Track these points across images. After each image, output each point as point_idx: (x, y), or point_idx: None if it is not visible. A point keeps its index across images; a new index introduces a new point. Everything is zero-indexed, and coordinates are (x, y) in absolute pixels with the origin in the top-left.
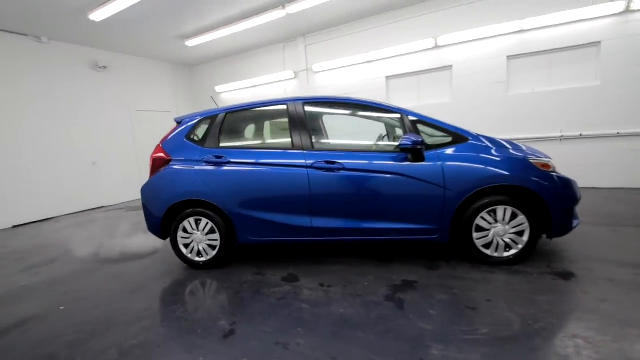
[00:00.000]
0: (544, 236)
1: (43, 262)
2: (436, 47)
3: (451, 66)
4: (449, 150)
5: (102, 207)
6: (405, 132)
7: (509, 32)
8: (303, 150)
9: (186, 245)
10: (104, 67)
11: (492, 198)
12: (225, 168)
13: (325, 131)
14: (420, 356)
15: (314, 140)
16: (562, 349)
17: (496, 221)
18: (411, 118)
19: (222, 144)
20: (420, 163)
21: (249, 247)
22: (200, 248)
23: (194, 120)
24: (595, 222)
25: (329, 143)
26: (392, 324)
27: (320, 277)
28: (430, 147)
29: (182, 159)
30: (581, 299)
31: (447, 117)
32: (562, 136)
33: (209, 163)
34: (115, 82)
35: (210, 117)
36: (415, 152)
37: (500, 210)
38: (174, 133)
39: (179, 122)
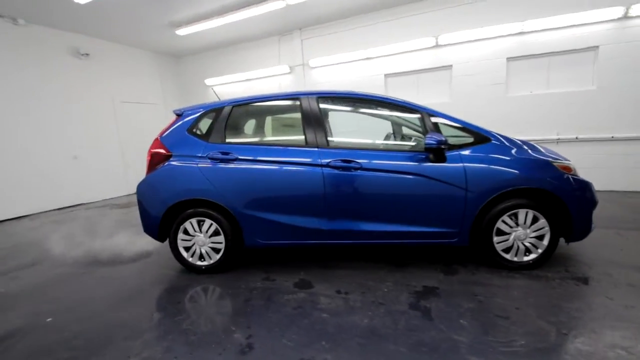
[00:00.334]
0: (561, 240)
1: (22, 265)
2: (437, 45)
3: (451, 66)
4: (471, 151)
5: (82, 204)
6: (426, 132)
7: (509, 33)
8: (318, 147)
9: (187, 248)
10: (86, 54)
11: (514, 201)
12: (232, 165)
13: (340, 128)
14: None
15: (329, 138)
16: None
17: (517, 224)
18: (433, 118)
19: (228, 140)
20: (441, 164)
21: (253, 250)
22: (203, 251)
23: (197, 112)
24: (599, 225)
25: (345, 141)
26: (423, 336)
27: (334, 283)
28: (452, 147)
29: (184, 154)
30: (608, 305)
31: None
32: (558, 139)
33: (214, 159)
34: (98, 71)
35: (214, 110)
36: (438, 152)
37: (522, 213)
38: (174, 126)
39: (180, 115)
